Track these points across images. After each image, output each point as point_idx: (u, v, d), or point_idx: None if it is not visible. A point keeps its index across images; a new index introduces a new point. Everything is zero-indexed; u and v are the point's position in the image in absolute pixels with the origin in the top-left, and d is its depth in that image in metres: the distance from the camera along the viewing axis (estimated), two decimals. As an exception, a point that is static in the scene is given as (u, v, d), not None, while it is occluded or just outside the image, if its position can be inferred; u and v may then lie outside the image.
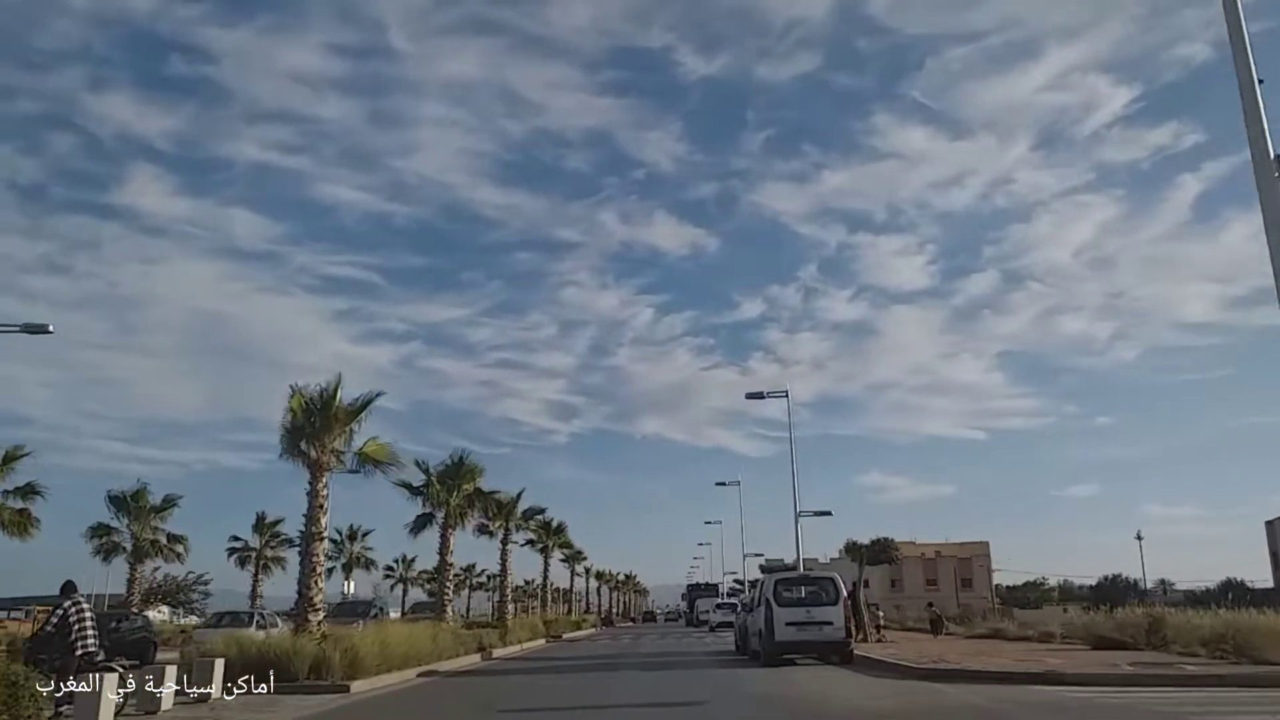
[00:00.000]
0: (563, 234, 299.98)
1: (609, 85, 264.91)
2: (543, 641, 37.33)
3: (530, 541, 50.73)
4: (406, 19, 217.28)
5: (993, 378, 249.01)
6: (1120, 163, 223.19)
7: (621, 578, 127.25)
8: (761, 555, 66.01)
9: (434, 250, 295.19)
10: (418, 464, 28.62)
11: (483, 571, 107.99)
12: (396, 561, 79.36)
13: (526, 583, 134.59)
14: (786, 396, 33.61)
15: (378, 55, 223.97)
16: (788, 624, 19.37)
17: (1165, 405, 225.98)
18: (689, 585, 75.85)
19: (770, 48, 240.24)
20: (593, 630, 57.32)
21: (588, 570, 78.27)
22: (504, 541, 38.43)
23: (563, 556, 64.59)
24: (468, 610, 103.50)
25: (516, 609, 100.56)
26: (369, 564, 64.07)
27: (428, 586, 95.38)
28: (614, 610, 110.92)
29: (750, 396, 33.83)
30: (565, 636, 43.07)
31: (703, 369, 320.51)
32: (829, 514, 33.60)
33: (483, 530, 38.29)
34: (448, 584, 28.74)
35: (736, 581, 72.56)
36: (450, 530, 28.56)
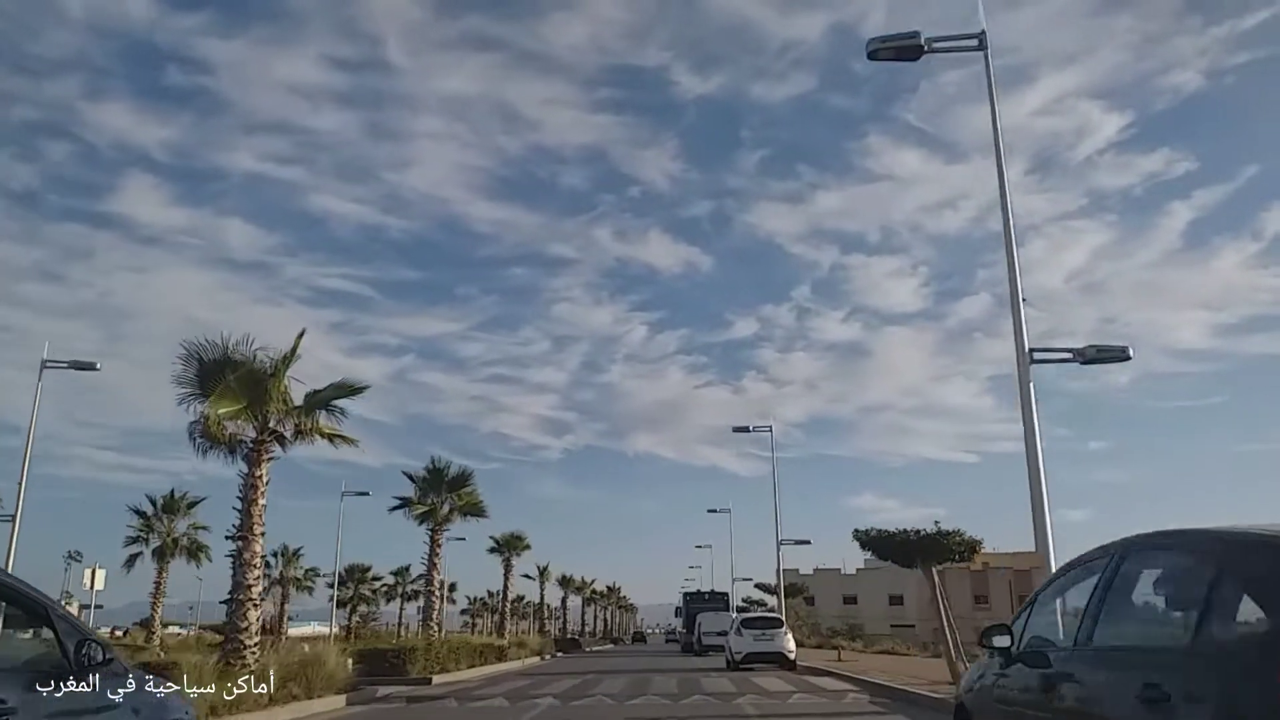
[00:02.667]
0: (557, 250, 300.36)
1: (605, 103, 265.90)
2: (338, 705, 15.01)
3: (404, 502, 28.25)
4: (405, 34, 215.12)
5: (984, 401, 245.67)
6: (1112, 189, 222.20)
7: (602, 589, 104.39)
8: (807, 541, 43.73)
9: (428, 264, 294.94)
10: None
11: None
12: (276, 555, 56.53)
13: (491, 594, 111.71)
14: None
15: (375, 69, 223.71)
16: None
17: (1158, 430, 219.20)
18: (686, 594, 53.38)
19: (766, 68, 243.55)
20: (533, 661, 34.80)
21: (542, 571, 55.62)
22: (252, 459, 15.86)
23: (492, 545, 42.09)
24: (399, 625, 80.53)
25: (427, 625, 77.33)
26: (198, 550, 41.48)
27: (325, 589, 72.44)
28: (587, 629, 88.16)
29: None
30: (438, 681, 20.71)
31: (695, 387, 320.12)
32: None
33: (202, 442, 15.72)
34: None
35: (760, 587, 49.83)
36: None
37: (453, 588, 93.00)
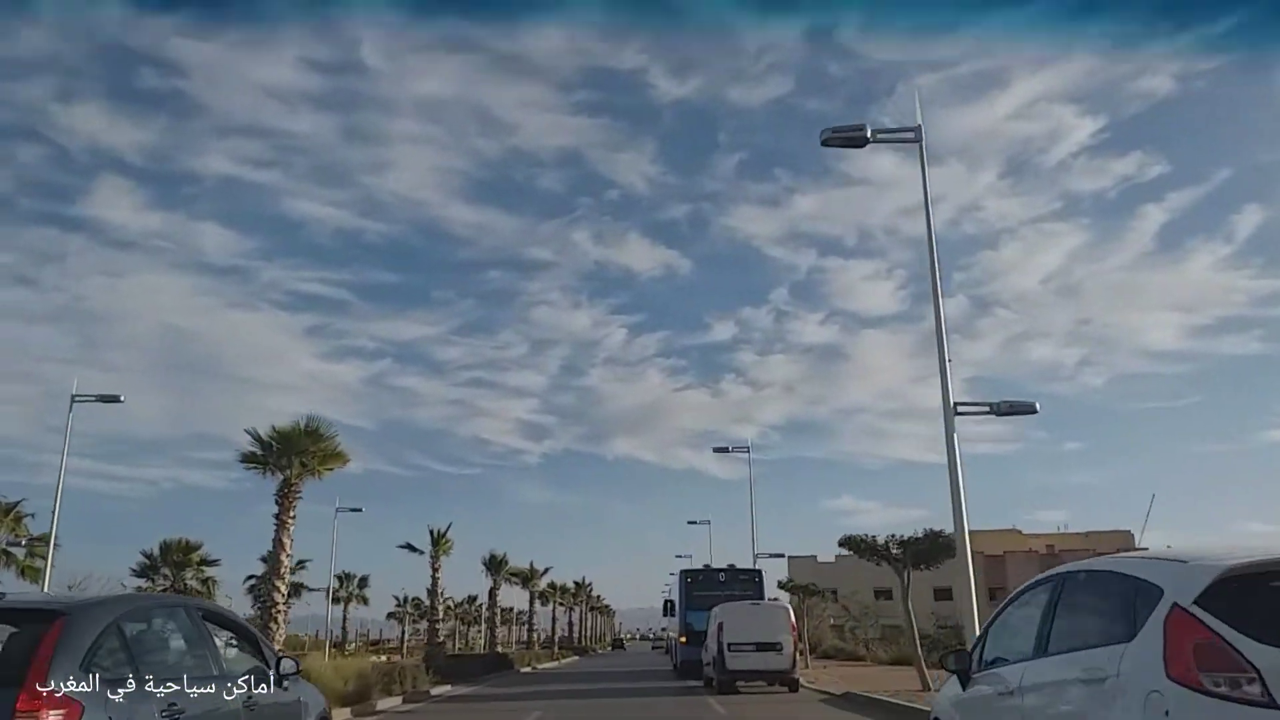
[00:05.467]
0: (535, 253, 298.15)
1: (582, 106, 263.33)
2: None
3: None
4: (380, 36, 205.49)
5: None
6: (1086, 192, 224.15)
7: (567, 585, 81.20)
8: (1031, 408, 20.65)
9: (405, 267, 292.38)
10: None
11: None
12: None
13: (470, 601, 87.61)
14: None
15: (351, 71, 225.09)
16: None
17: (1132, 432, 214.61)
18: (686, 574, 30.20)
19: (742, 71, 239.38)
20: None
21: (438, 539, 31.72)
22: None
23: (248, 451, 18.79)
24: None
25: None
26: None
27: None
28: (540, 635, 64.66)
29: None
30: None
31: (674, 390, 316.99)
32: None
33: None
34: None
35: (856, 545, 25.53)
36: None
37: (363, 581, 70.05)
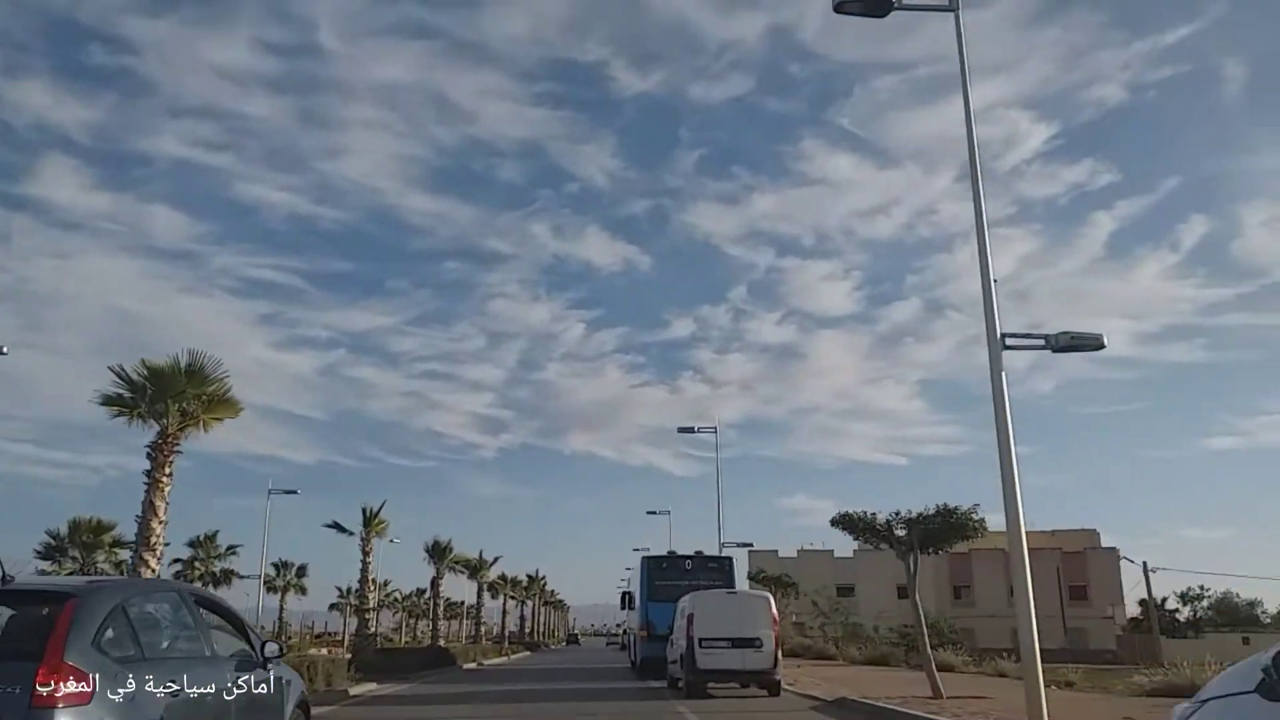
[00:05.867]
0: (493, 245, 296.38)
1: (543, 96, 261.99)
2: None
3: None
4: (337, 18, 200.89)
5: (913, 405, 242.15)
6: (1038, 198, 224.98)
7: (519, 577, 77.74)
8: None
9: (360, 256, 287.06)
10: None
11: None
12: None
13: (419, 594, 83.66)
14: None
15: (308, 54, 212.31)
16: None
17: (1080, 436, 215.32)
18: (649, 560, 27.15)
19: (704, 68, 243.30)
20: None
21: (369, 519, 28.09)
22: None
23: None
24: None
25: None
26: None
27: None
28: (490, 629, 61.22)
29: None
30: None
31: (632, 386, 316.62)
32: None
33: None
34: None
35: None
36: None
37: (301, 570, 65.97)
